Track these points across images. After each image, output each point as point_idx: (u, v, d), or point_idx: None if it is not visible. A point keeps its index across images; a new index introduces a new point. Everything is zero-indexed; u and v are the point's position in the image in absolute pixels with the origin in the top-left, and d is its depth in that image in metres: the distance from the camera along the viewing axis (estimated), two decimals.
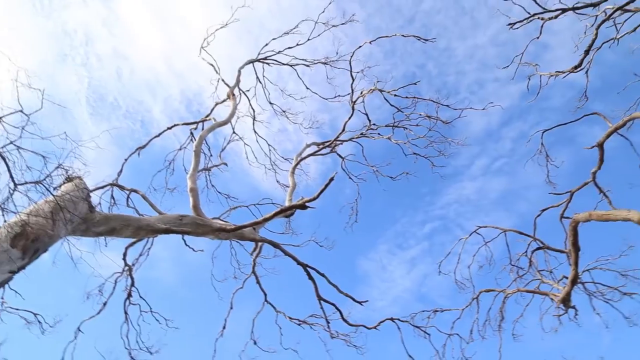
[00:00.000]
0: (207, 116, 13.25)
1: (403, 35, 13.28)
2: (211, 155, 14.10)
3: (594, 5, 11.47)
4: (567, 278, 11.26)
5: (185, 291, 21.78)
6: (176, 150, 13.54)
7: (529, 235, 13.02)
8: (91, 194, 7.35)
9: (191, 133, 13.33)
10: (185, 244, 11.87)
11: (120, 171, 11.38)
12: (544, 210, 13.00)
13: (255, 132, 15.08)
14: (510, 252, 13.51)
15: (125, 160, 11.57)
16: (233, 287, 12.56)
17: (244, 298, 12.67)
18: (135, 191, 10.05)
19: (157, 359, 11.02)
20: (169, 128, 12.65)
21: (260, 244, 11.21)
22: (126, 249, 10.31)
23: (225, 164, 13.87)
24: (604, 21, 11.89)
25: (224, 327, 12.36)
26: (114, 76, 19.80)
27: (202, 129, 12.83)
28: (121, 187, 9.82)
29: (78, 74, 18.37)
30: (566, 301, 11.26)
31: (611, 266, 12.22)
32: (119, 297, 10.77)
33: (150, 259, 11.10)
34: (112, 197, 9.62)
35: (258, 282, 11.83)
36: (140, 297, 11.03)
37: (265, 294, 12.07)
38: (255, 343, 12.89)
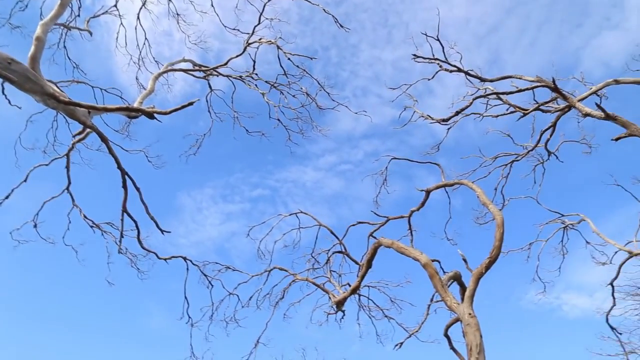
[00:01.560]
0: None
1: (325, 10, 13.21)
2: (78, 16, 12.41)
3: (482, 79, 12.90)
4: (349, 286, 12.57)
5: None
6: None
7: (337, 237, 14.18)
8: None
9: None
10: (3, 92, 10.29)
11: None
12: (360, 222, 14.24)
13: (138, 18, 13.61)
14: (315, 245, 14.55)
15: None
16: (37, 161, 11.30)
17: (45, 178, 11.48)
18: None
19: None
20: None
21: (88, 130, 10.18)
22: None
23: (90, 33, 12.29)
24: (481, 96, 13.47)
25: (7, 197, 11.03)
26: None
27: None
28: None
29: None
30: (340, 304, 12.52)
31: (387, 291, 14.00)
32: None
33: None
34: None
35: (67, 167, 10.78)
36: None
37: (70, 182, 11.07)
38: (35, 226, 11.82)
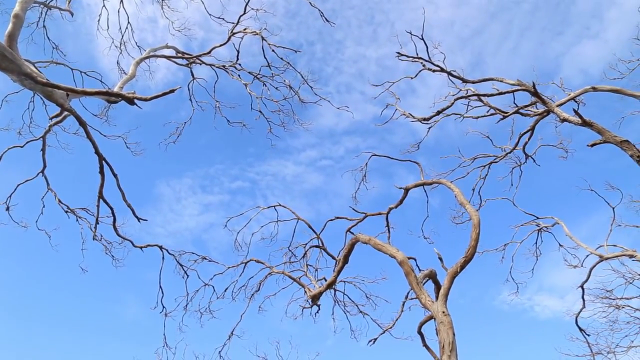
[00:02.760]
0: None
1: (311, 4, 13.13)
2: None
3: (464, 80, 13.01)
4: (326, 280, 12.59)
5: None
6: None
7: (315, 232, 14.21)
8: None
9: None
10: None
11: None
12: (338, 218, 14.31)
13: (122, 2, 13.33)
14: (293, 238, 14.61)
15: None
16: (12, 142, 11.07)
17: (19, 160, 11.22)
18: None
19: None
20: None
21: (66, 113, 9.96)
22: None
23: (71, 13, 11.99)
24: (462, 97, 13.60)
25: None
26: None
27: None
28: None
29: None
30: (316, 298, 12.53)
31: (362, 286, 14.09)
32: None
33: None
34: None
35: (43, 150, 10.56)
36: None
37: (45, 166, 10.86)
38: (7, 209, 11.58)
